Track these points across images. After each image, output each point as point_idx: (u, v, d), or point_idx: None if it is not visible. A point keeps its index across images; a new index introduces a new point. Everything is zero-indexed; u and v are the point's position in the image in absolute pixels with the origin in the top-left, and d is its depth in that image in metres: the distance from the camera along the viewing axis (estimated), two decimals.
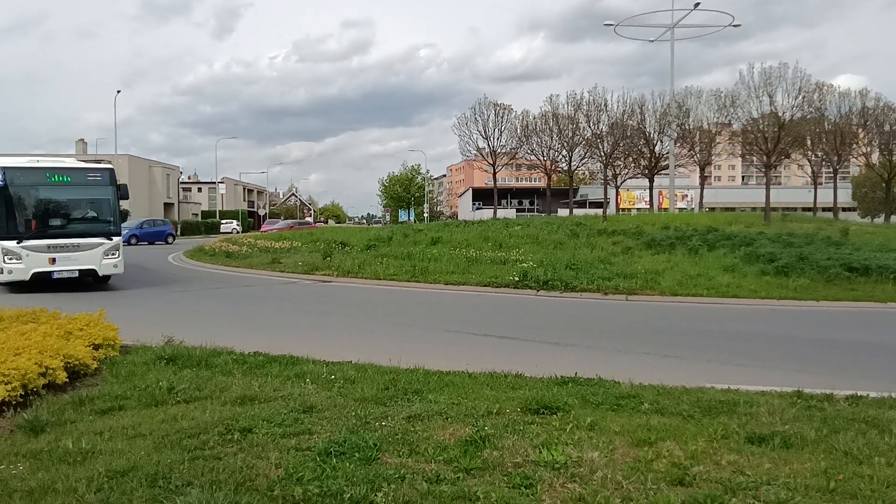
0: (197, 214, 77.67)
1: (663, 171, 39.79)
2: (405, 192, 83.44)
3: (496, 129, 40.70)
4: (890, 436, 5.00)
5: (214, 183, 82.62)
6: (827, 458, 4.56)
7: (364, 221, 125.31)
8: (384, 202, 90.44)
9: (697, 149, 38.97)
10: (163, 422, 5.28)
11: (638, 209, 57.10)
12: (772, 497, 3.88)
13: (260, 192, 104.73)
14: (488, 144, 40.99)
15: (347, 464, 4.34)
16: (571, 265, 18.11)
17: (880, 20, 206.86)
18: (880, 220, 42.93)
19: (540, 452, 4.56)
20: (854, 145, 38.27)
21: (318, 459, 4.41)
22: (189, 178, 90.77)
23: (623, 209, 56.23)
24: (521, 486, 4.06)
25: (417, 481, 4.08)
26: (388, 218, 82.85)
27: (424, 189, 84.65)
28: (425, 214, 73.36)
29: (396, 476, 4.14)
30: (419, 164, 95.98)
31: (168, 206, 70.48)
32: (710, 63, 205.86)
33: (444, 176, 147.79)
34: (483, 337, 10.46)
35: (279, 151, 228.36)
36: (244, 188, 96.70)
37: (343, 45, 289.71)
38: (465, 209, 73.47)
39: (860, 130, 37.76)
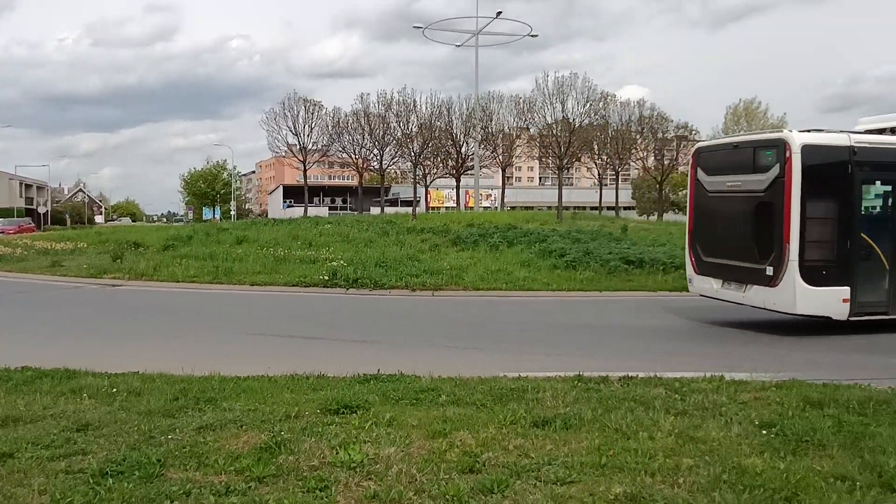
0: None
1: (469, 172, 41.50)
2: (210, 188, 79.06)
3: (306, 126, 39.95)
4: (654, 411, 5.59)
5: None
6: (601, 435, 4.99)
7: (164, 220, 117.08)
8: (186, 199, 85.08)
9: (500, 151, 41.14)
10: None
11: (447, 208, 59.08)
12: (551, 476, 4.18)
13: (40, 188, 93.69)
14: (298, 141, 40.11)
15: (126, 484, 4.01)
16: (381, 263, 18.28)
17: (663, 37, 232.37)
18: (654, 217, 48.20)
19: (337, 453, 4.53)
20: (633, 150, 42.59)
21: (91, 482, 4.04)
22: None
23: (433, 208, 57.83)
24: (316, 489, 4.01)
25: (204, 495, 3.88)
26: (190, 216, 78.01)
27: (231, 186, 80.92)
28: (232, 212, 70.12)
29: (181, 492, 3.91)
30: (225, 160, 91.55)
31: None
32: (515, 70, 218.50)
33: (254, 172, 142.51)
34: (288, 338, 10.22)
35: (67, 143, 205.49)
36: (21, 183, 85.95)
37: (145, 31, 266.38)
38: (276, 207, 71.32)
39: (638, 137, 42.09)
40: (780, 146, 10.04)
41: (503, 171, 42.81)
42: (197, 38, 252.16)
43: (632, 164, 46.41)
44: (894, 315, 10.19)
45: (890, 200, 10.44)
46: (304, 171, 40.71)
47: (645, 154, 43.77)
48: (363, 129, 39.51)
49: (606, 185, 42.24)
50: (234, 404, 5.76)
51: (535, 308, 14.12)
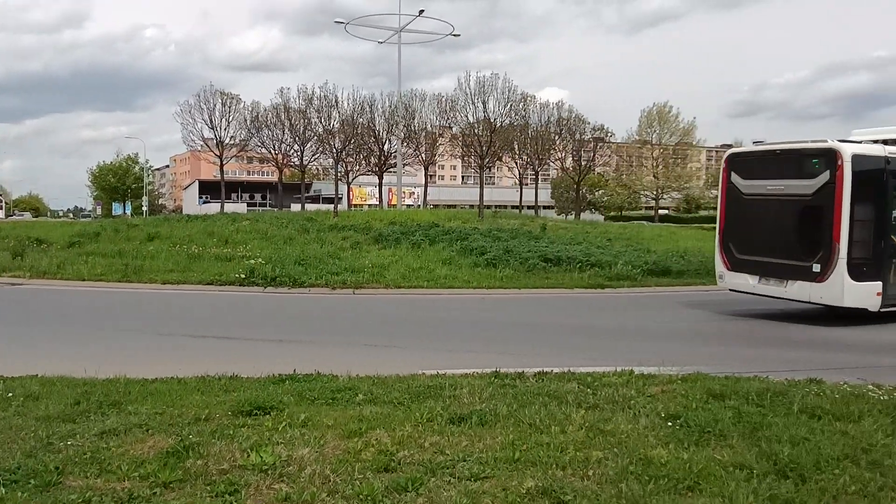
0: None
1: (392, 169, 41.36)
2: (120, 183, 75.57)
3: (223, 119, 38.72)
4: (566, 406, 5.73)
5: None
6: (515, 430, 5.07)
7: (70, 215, 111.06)
8: (94, 194, 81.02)
9: (423, 149, 41.18)
10: None
11: (369, 205, 58.70)
12: (465, 472, 4.22)
13: None
14: (215, 135, 38.84)
15: (20, 493, 3.81)
16: (301, 261, 17.97)
17: (582, 41, 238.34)
18: (572, 216, 49.43)
19: (248, 456, 4.42)
20: (552, 151, 43.49)
21: None
22: None
23: (355, 205, 57.38)
24: (225, 493, 3.91)
25: (105, 503, 3.70)
26: (99, 212, 74.35)
27: (144, 180, 77.67)
28: (144, 208, 67.31)
29: (80, 500, 3.75)
30: (137, 153, 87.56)
31: None
32: (439, 69, 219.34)
33: (168, 167, 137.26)
34: (200, 339, 9.90)
35: None
36: None
37: (51, 16, 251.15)
38: (191, 203, 69.03)
39: (557, 138, 43.02)
40: (831, 155, 11.17)
41: (426, 169, 42.87)
42: (108, 25, 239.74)
43: (551, 164, 47.39)
44: None
45: None
46: (221, 165, 39.48)
47: (563, 155, 44.76)
48: (283, 124, 38.70)
49: (527, 184, 42.95)
50: (141, 408, 5.53)
51: (457, 305, 14.22)
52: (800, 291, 11.64)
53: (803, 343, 10.41)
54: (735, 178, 12.94)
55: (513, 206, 51.17)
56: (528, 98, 38.78)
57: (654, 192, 67.07)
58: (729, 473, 4.26)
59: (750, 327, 11.79)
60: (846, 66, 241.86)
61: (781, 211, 12.07)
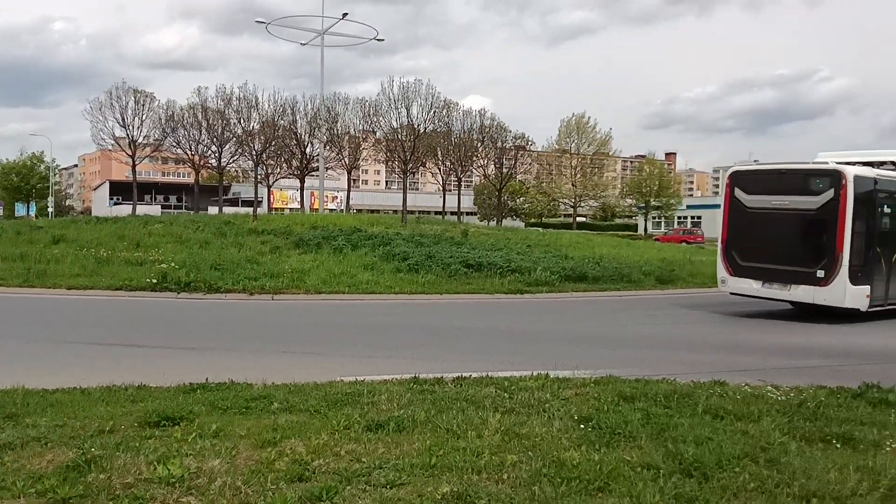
0: None
1: (314, 173, 40.80)
2: (24, 182, 71.39)
3: (136, 118, 37.21)
4: (483, 410, 5.79)
5: None
6: (432, 436, 5.09)
7: None
8: None
9: (346, 153, 40.80)
10: None
11: (291, 209, 57.68)
12: (381, 480, 4.20)
13: None
14: (127, 134, 37.28)
15: None
16: (217, 265, 17.47)
17: (505, 51, 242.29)
18: (494, 223, 50.10)
19: (155, 468, 4.26)
20: (475, 158, 43.98)
21: None
22: None
23: (276, 209, 56.28)
24: None
25: None
26: (0, 212, 70.00)
27: (50, 180, 73.65)
28: (50, 209, 63.80)
29: None
30: (43, 152, 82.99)
31: None
32: (364, 73, 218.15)
33: (76, 166, 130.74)
34: (107, 347, 9.45)
35: None
36: None
37: None
38: (101, 204, 65.92)
39: (479, 145, 43.54)
40: (836, 176, 12.75)
41: (349, 173, 42.48)
42: (14, 16, 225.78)
43: (474, 170, 47.93)
44: (888, 306, 13.42)
45: (890, 220, 13.65)
46: (134, 166, 37.95)
47: (486, 162, 45.36)
48: (200, 125, 37.54)
49: (450, 190, 43.30)
50: (40, 420, 5.24)
51: (378, 311, 14.15)
52: (804, 294, 13.17)
53: (712, 346, 10.89)
54: (739, 192, 14.23)
55: (436, 212, 51.44)
56: (452, 105, 39.12)
57: (573, 200, 68.84)
58: (637, 474, 4.40)
59: (666, 331, 12.25)
60: (751, 83, 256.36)
61: (785, 223, 13.51)
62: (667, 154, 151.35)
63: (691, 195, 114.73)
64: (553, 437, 5.10)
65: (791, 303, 14.09)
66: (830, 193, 12.76)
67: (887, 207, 13.66)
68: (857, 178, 12.73)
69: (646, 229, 69.50)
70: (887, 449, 5.03)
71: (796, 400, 6.32)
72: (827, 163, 13.68)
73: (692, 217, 75.62)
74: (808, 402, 6.25)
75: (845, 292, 12.65)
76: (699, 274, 20.95)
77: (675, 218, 74.53)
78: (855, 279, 12.68)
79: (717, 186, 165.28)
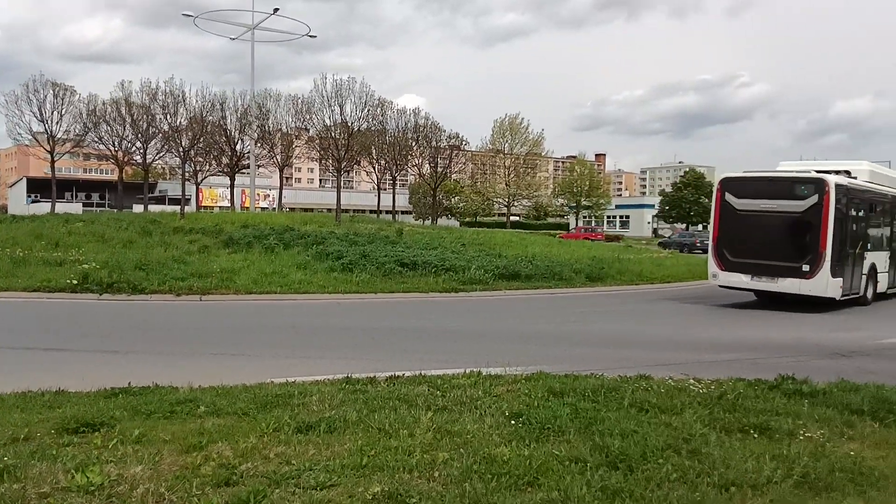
0: None
1: (245, 171, 39.90)
2: None
3: (55, 112, 35.54)
4: (416, 409, 5.79)
5: None
6: (364, 436, 5.05)
7: None
8: None
9: (278, 150, 40.09)
10: None
11: (220, 207, 56.20)
12: (311, 481, 4.14)
13: None
14: (46, 129, 35.55)
15: None
16: (142, 265, 16.86)
17: (438, 51, 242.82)
18: (429, 222, 50.20)
19: (73, 477, 4.08)
20: (410, 157, 43.99)
21: None
22: None
23: (205, 207, 54.77)
24: None
25: None
26: None
27: None
28: None
29: None
30: None
31: None
32: (297, 69, 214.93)
33: None
34: (22, 351, 9.00)
35: None
36: None
37: None
38: (18, 202, 62.68)
39: (414, 144, 43.57)
40: (820, 183, 14.64)
41: (281, 171, 41.73)
42: None
43: (409, 169, 47.89)
44: (852, 295, 15.63)
45: (856, 223, 15.90)
46: (52, 162, 36.24)
47: (420, 161, 45.43)
48: (124, 120, 36.19)
49: (385, 189, 43.13)
50: None
51: (311, 311, 13.96)
52: (790, 286, 14.94)
53: (640, 342, 11.23)
54: (729, 196, 15.86)
55: (371, 211, 51.15)
56: (386, 104, 39.04)
57: (506, 200, 69.71)
58: (565, 467, 4.49)
59: (597, 328, 12.54)
60: (677, 87, 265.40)
61: (773, 224, 15.17)
62: (597, 155, 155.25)
63: (620, 195, 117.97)
64: (484, 433, 5.14)
65: (776, 293, 15.61)
66: (815, 198, 14.57)
67: (854, 211, 15.80)
68: (837, 186, 14.68)
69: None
70: (801, 438, 5.28)
71: (717, 392, 6.56)
72: (809, 172, 15.71)
73: (621, 216, 77.85)
74: (727, 394, 6.51)
75: (827, 284, 14.49)
76: (627, 272, 21.58)
77: (605, 217, 76.53)
78: (834, 272, 14.58)
79: (644, 187, 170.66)
